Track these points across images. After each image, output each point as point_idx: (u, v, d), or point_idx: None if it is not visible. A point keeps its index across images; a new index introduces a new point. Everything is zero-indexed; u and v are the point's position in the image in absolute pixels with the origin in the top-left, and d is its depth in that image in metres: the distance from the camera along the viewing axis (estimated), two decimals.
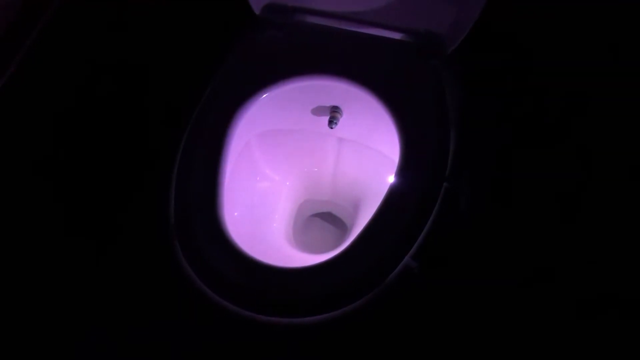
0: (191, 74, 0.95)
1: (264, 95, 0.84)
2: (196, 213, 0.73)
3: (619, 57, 1.21)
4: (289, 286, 0.68)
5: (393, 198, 0.75)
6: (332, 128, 0.90)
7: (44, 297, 1.08)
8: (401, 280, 0.72)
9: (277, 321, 0.67)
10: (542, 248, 1.12)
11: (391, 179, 0.78)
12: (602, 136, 1.18)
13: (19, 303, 1.08)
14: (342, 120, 0.92)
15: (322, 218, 1.20)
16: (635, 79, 1.18)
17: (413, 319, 1.05)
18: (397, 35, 0.89)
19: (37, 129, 1.24)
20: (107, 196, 1.18)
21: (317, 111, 0.94)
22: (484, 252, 1.10)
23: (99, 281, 1.09)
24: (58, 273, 1.10)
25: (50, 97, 1.26)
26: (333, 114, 0.91)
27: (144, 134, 1.23)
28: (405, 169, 0.77)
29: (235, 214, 0.84)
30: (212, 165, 0.77)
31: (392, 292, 0.71)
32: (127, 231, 1.13)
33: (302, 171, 1.10)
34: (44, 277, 1.10)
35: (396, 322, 1.05)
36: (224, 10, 1.24)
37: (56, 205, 1.16)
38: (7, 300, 1.08)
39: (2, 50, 1.21)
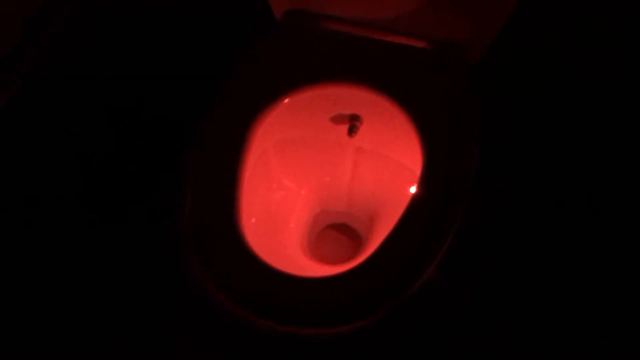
0: (211, 79, 0.95)
1: (284, 102, 0.83)
2: (213, 218, 0.72)
3: None
4: (309, 296, 0.65)
5: (415, 210, 0.72)
6: (351, 136, 0.88)
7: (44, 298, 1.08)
8: (421, 294, 0.69)
9: (294, 332, 0.65)
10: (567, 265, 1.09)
11: (411, 190, 0.76)
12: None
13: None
14: (362, 129, 0.90)
15: (337, 229, 1.18)
16: None
17: (432, 334, 1.03)
18: (419, 44, 0.87)
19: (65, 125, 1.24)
20: (120, 205, 1.18)
21: (336, 119, 0.92)
22: (506, 268, 1.08)
23: (115, 291, 1.08)
24: (61, 281, 1.10)
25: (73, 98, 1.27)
26: (353, 122, 0.89)
27: (158, 139, 1.23)
28: (427, 180, 0.75)
29: (253, 220, 0.82)
30: (230, 171, 0.76)
31: (411, 306, 0.69)
32: (141, 237, 1.13)
33: (319, 181, 1.08)
34: (48, 278, 1.10)
35: (414, 336, 1.02)
36: (245, 15, 1.24)
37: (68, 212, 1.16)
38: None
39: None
